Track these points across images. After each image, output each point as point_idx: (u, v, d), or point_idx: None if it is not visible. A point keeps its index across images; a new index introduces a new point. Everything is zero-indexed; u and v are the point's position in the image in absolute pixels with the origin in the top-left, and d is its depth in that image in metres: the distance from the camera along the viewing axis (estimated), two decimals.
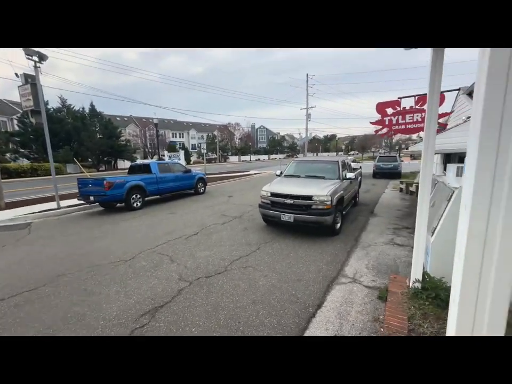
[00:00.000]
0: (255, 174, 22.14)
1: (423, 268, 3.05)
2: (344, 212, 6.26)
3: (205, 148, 21.11)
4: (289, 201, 5.44)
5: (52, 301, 3.22)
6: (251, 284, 3.54)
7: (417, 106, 7.71)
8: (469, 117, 6.09)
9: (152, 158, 37.74)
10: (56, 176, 9.91)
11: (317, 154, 68.12)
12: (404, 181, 11.49)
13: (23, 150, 26.87)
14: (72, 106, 31.88)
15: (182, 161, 17.51)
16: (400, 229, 6.09)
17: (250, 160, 60.26)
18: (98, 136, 31.81)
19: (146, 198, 9.51)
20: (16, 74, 9.06)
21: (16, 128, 28.81)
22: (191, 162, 45.77)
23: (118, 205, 9.18)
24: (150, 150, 43.56)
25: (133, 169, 10.62)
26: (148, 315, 2.89)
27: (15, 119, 30.98)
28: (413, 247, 5.14)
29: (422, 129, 7.75)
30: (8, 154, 26.47)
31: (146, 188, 9.27)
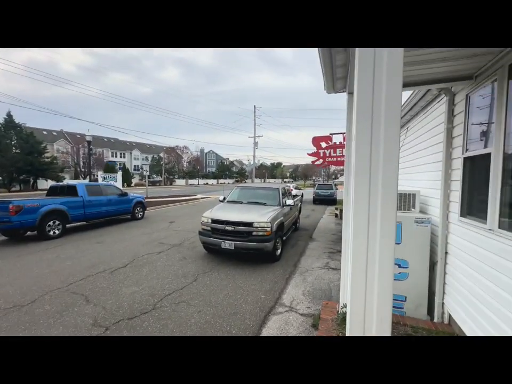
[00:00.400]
0: (202, 198, 21.57)
1: None
2: (284, 238, 6.41)
3: (147, 169, 19.87)
4: (230, 228, 5.31)
5: None
6: (181, 323, 3.17)
7: (344, 142, 8.80)
8: None
9: (84, 179, 33.55)
10: None
11: (264, 180, 71.03)
12: (338, 207, 12.65)
13: None
14: None
15: (119, 183, 15.98)
16: (335, 252, 6.50)
17: (198, 184, 58.99)
18: (15, 150, 27.06)
19: (68, 225, 8.18)
20: None
21: None
22: (132, 185, 42.36)
23: (29, 233, 7.64)
24: (83, 170, 38.86)
25: (53, 191, 9.13)
26: None
27: None
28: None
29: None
30: None
31: (68, 212, 7.99)
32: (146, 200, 12.86)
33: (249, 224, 5.20)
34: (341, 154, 8.83)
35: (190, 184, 57.01)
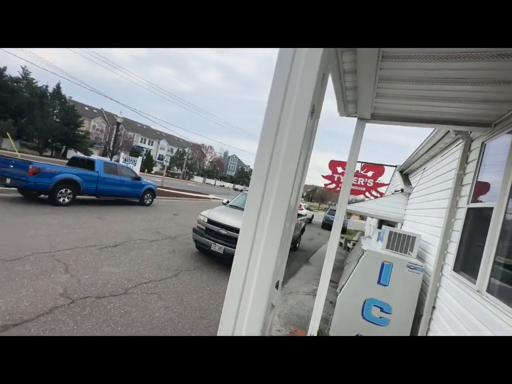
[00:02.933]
0: (214, 198, 21.78)
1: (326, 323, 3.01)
2: None
3: (168, 160, 20.46)
4: (223, 231, 5.26)
5: None
6: (145, 314, 3.12)
7: (362, 172, 8.57)
8: (396, 191, 6.89)
9: (111, 158, 35.19)
10: None
11: None
12: (344, 237, 12.21)
13: None
14: (34, 82, 29.17)
15: (137, 168, 16.55)
16: None
17: (214, 185, 59.83)
18: (55, 119, 29.05)
19: (79, 196, 8.52)
20: None
21: None
22: (152, 172, 43.75)
23: (42, 196, 8.03)
24: (111, 149, 40.83)
25: (74, 162, 9.61)
26: None
27: None
28: (331, 302, 5.22)
29: (362, 192, 8.54)
30: None
31: (82, 184, 8.34)
32: (160, 189, 13.19)
33: None
34: (355, 183, 8.59)
35: (207, 183, 57.94)
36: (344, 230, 17.90)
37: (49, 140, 28.50)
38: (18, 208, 6.58)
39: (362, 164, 8.62)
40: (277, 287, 0.77)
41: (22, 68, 28.31)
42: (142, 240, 6.05)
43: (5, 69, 25.77)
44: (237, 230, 5.17)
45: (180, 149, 60.83)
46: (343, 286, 3.33)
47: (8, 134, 11.57)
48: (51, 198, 7.63)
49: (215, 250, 5.19)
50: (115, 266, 4.27)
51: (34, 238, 4.71)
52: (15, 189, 7.87)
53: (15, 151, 10.95)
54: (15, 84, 26.71)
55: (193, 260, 5.49)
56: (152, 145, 60.85)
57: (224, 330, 0.77)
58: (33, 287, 3.15)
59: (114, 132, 41.00)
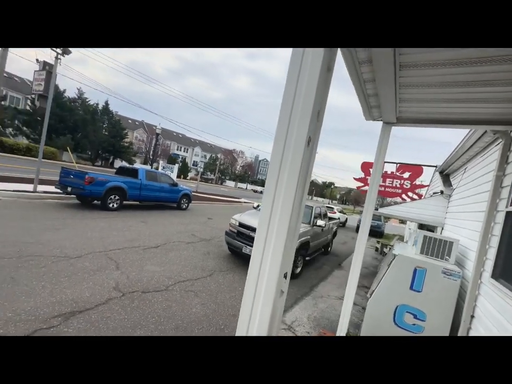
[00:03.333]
0: (245, 202, 22.27)
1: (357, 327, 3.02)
2: (308, 258, 6.26)
3: (201, 166, 21.52)
4: (254, 234, 5.47)
5: None
6: (184, 309, 3.43)
7: (397, 173, 8.16)
8: (435, 193, 6.45)
9: (151, 165, 38.18)
10: (48, 162, 9.92)
11: (311, 198, 69.24)
12: (381, 241, 11.63)
13: (25, 129, 27.10)
14: (87, 100, 32.94)
15: (174, 175, 17.69)
16: (359, 286, 6.05)
17: (246, 189, 60.86)
18: (104, 132, 32.37)
19: (125, 202, 9.45)
20: (37, 60, 9.57)
21: (26, 107, 29.38)
22: (188, 178, 46.10)
23: (95, 202, 9.09)
24: (151, 157, 44.09)
25: (121, 171, 10.71)
26: (61, 317, 2.76)
27: (29, 99, 31.72)
28: (363, 308, 5.09)
29: (398, 194, 8.12)
30: (10, 129, 26.61)
31: (127, 191, 9.27)
32: (194, 194, 13.99)
33: None
34: (390, 185, 8.21)
35: (239, 187, 59.21)
36: (380, 234, 16.97)
37: (99, 151, 31.87)
38: (77, 213, 7.57)
39: (398, 164, 8.22)
40: (285, 277, 0.92)
41: (78, 89, 32.21)
42: (179, 242, 6.54)
43: (64, 91, 29.57)
44: None
45: (212, 155, 63.24)
46: (373, 291, 3.29)
47: (68, 148, 13.32)
48: (102, 203, 8.61)
49: (246, 252, 5.42)
50: (157, 265, 4.72)
51: (91, 239, 5.42)
52: (74, 196, 9.03)
53: (73, 163, 12.53)
54: (72, 104, 30.44)
55: (226, 261, 5.79)
56: (187, 152, 64.20)
57: (243, 314, 0.92)
58: (92, 281, 3.67)
59: (154, 142, 44.33)
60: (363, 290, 5.83)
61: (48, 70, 9.08)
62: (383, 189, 8.36)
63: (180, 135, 63.16)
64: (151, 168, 19.00)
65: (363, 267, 8.14)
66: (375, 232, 17.02)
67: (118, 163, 34.69)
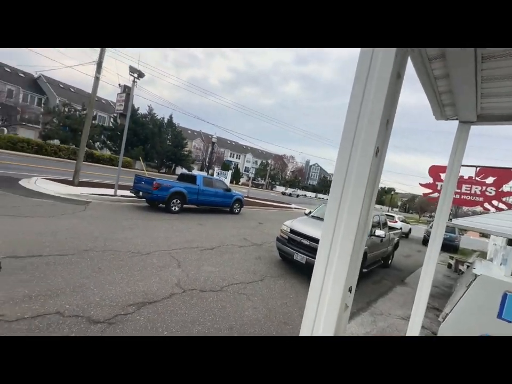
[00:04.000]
0: (295, 208, 21.99)
1: None
2: (365, 270, 5.81)
3: (253, 172, 22.16)
4: (305, 241, 5.36)
5: (71, 269, 3.78)
6: (237, 311, 3.56)
7: (477, 178, 6.95)
8: None
9: (207, 171, 41.21)
10: (125, 170, 11.61)
11: None
12: (455, 257, 10.03)
13: (109, 143, 32.29)
14: (155, 115, 37.45)
15: (227, 181, 18.61)
16: (429, 308, 5.32)
17: (298, 196, 59.98)
18: (168, 143, 36.23)
19: (184, 205, 10.36)
20: (119, 84, 11.39)
21: (110, 124, 35.03)
22: (240, 183, 47.90)
23: (160, 205, 10.20)
24: (207, 164, 47.40)
25: (182, 177, 11.79)
26: (134, 306, 3.16)
27: (112, 117, 37.73)
28: (433, 332, 4.47)
29: (479, 203, 6.90)
30: (98, 143, 32.07)
31: (187, 195, 10.14)
32: (246, 199, 14.47)
33: None
34: (468, 191, 7.05)
35: (289, 193, 58.75)
36: (454, 249, 14.66)
37: (164, 160, 35.78)
38: (146, 214, 8.62)
39: (478, 168, 7.00)
40: (350, 290, 0.88)
41: (148, 106, 36.97)
42: (232, 245, 6.82)
43: (138, 109, 34.28)
44: (317, 241, 5.15)
45: (263, 161, 64.50)
46: (447, 314, 2.86)
47: (140, 158, 15.34)
48: (166, 207, 9.61)
49: (297, 259, 5.33)
50: (212, 266, 5.02)
51: (157, 239, 6.08)
52: (144, 199, 10.30)
53: (144, 170, 14.34)
54: (143, 119, 35.03)
55: (277, 267, 5.80)
56: (239, 158, 66.97)
57: (305, 328, 0.90)
58: (158, 276, 4.11)
59: (210, 150, 47.63)
60: (433, 313, 5.11)
61: (127, 92, 10.69)
62: (458, 196, 7.23)
63: (233, 143, 66.34)
64: (207, 174, 20.40)
65: (433, 285, 7.14)
66: (448, 246, 14.76)
67: (179, 170, 38.29)
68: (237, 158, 66.25)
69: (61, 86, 39.73)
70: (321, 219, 6.51)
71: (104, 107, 41.99)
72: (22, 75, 37.29)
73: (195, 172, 37.74)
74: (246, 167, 66.45)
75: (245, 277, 4.83)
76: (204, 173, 21.98)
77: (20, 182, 9.63)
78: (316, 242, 5.18)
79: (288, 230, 5.79)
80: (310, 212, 7.13)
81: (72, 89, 40.72)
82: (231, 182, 38.60)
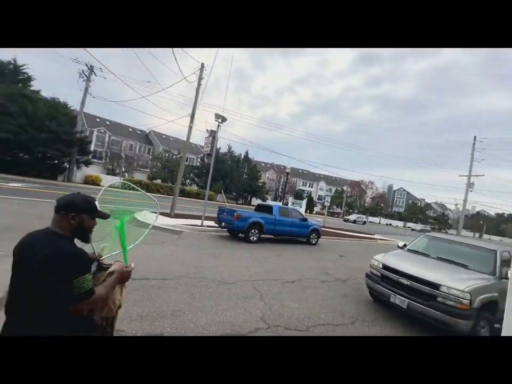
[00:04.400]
0: (380, 239, 19.43)
1: None
2: (497, 325, 4.36)
3: (328, 201, 21.17)
4: (405, 281, 4.49)
5: (170, 293, 4.21)
6: None
7: None
8: None
9: (280, 201, 42.05)
10: (209, 202, 13.01)
11: (480, 236, 51.30)
12: None
13: (196, 179, 37.42)
14: (234, 152, 41.70)
15: (302, 210, 18.28)
16: None
17: (379, 223, 53.63)
18: (244, 176, 39.26)
19: (262, 235, 10.56)
20: (206, 130, 13.34)
21: (197, 164, 40.88)
22: (314, 212, 46.44)
23: (240, 234, 10.72)
24: (280, 194, 48.42)
25: (259, 208, 12.26)
26: None
27: (199, 157, 44.08)
28: None
29: None
30: (188, 180, 37.62)
31: (264, 225, 10.36)
32: (322, 228, 13.76)
33: (434, 286, 4.12)
34: None
35: (370, 222, 53.10)
36: None
37: (241, 192, 38.66)
38: (228, 244, 9.15)
39: None
40: None
41: (228, 146, 41.78)
42: (314, 279, 6.37)
43: (219, 148, 39.11)
44: (424, 282, 4.24)
45: (338, 188, 61.43)
46: None
47: (222, 191, 16.99)
48: (245, 236, 9.99)
49: (395, 302, 4.48)
50: (295, 301, 4.74)
51: (238, 268, 6.27)
52: (226, 229, 11.06)
53: (225, 202, 15.69)
54: (223, 157, 39.49)
55: (368, 309, 5.02)
56: (312, 187, 65.94)
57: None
58: (243, 308, 4.12)
59: (283, 180, 48.90)
60: None
61: (212, 135, 12.35)
62: None
63: (305, 172, 66.35)
64: (283, 204, 20.65)
65: None
66: None
67: (254, 201, 40.41)
68: (309, 186, 65.47)
69: (163, 136, 49.71)
70: (424, 254, 5.43)
71: (193, 150, 49.61)
72: (139, 132, 48.81)
73: (269, 202, 39.19)
74: (319, 195, 64.60)
75: (332, 318, 4.32)
76: (279, 203, 22.36)
77: None
78: (421, 283, 4.27)
79: (380, 266, 5.02)
80: (405, 245, 6.10)
81: (171, 138, 50.34)
82: (305, 211, 37.94)
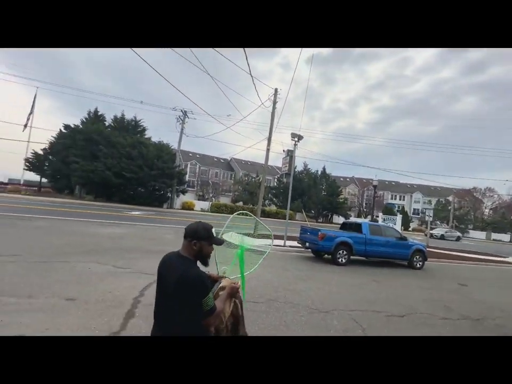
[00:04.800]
0: None
1: None
2: None
3: (430, 215, 17.61)
4: None
5: (263, 318, 4.07)
6: None
7: None
8: None
9: (365, 218, 37.84)
10: (288, 221, 12.88)
11: None
12: None
13: (274, 199, 38.31)
14: (309, 169, 41.05)
15: (398, 227, 15.77)
16: None
17: (510, 241, 41.01)
18: (323, 193, 37.69)
19: (352, 257, 9.52)
20: (283, 150, 13.57)
21: (274, 184, 42.02)
22: (410, 229, 39.73)
23: (325, 255, 9.97)
24: (365, 210, 43.90)
25: (344, 226, 11.25)
26: None
27: (276, 178, 45.37)
28: None
29: None
30: (266, 201, 38.95)
31: (353, 246, 9.33)
32: (427, 249, 11.39)
33: None
34: None
35: (494, 240, 41.27)
36: None
37: (320, 209, 37.03)
38: (314, 265, 8.60)
39: None
40: None
41: (303, 163, 41.59)
42: (430, 315, 5.11)
43: (296, 167, 39.29)
44: None
45: (440, 199, 51.16)
46: None
47: (302, 210, 16.61)
48: (333, 258, 9.19)
49: None
50: None
51: (331, 293, 5.67)
52: (310, 249, 10.54)
53: (305, 221, 15.20)
54: (300, 175, 39.32)
55: None
56: (403, 200, 57.29)
57: None
58: None
59: (367, 194, 44.50)
60: None
61: (290, 155, 12.43)
62: None
63: (393, 183, 58.63)
64: (371, 220, 18.48)
65: None
66: None
67: (336, 218, 37.88)
68: (400, 199, 57.10)
69: (242, 162, 53.99)
70: None
71: (270, 171, 51.56)
72: (222, 160, 54.76)
73: (353, 218, 35.82)
74: (414, 208, 55.32)
75: None
76: (367, 220, 20.14)
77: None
78: None
79: None
80: None
81: (249, 163, 54.13)
82: (400, 228, 32.82)
